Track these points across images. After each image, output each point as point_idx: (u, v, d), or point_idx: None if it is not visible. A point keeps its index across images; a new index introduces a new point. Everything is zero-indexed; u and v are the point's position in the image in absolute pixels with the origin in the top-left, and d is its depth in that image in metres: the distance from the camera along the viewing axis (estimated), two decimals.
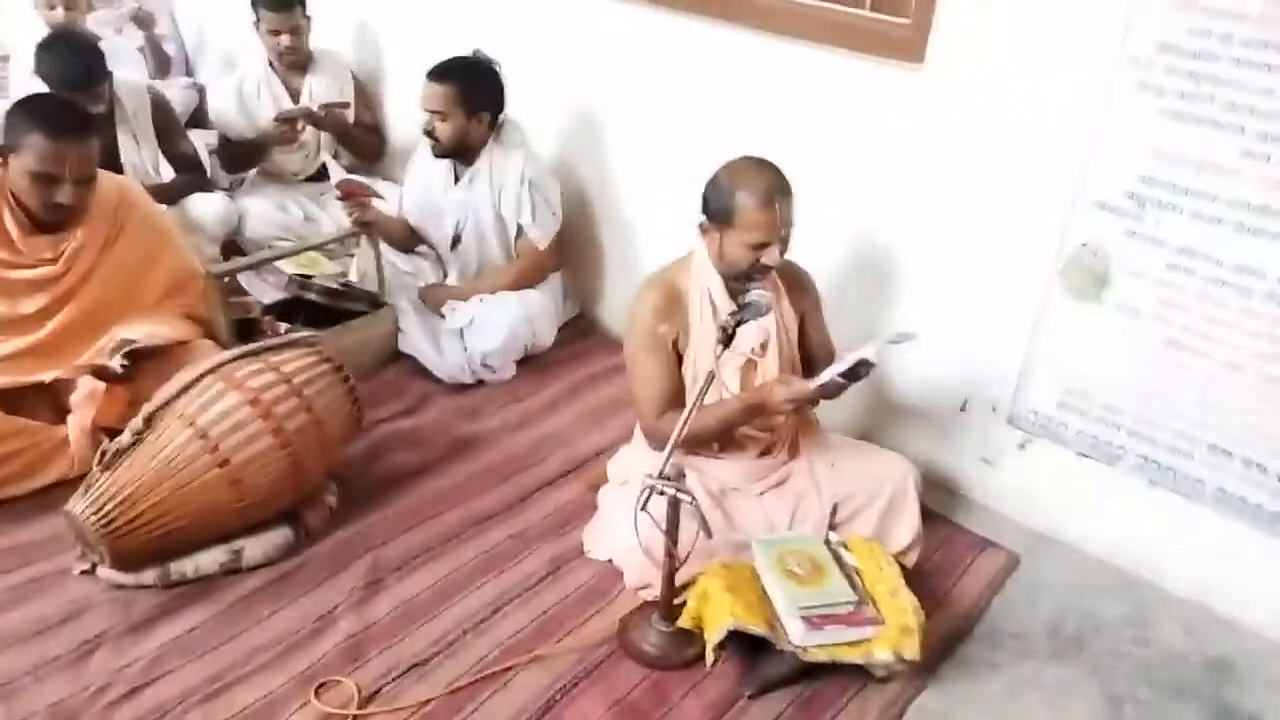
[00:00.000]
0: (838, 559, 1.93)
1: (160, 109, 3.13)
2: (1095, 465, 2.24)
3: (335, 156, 3.52)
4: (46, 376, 2.22)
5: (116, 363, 2.06)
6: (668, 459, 1.74)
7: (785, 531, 2.04)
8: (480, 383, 2.76)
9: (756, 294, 1.89)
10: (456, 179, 2.84)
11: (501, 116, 2.79)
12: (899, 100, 2.27)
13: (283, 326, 2.34)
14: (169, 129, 3.15)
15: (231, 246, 3.20)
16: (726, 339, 1.81)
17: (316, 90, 3.39)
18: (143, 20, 4.00)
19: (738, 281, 2.02)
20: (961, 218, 2.25)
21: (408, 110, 3.52)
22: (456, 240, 2.89)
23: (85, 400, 2.17)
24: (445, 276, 3.01)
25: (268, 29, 3.22)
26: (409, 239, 2.97)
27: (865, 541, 2.00)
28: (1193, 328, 2.00)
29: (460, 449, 2.48)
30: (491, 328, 2.72)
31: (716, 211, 1.96)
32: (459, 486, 2.34)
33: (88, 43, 2.91)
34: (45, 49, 2.82)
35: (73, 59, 2.80)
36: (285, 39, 3.24)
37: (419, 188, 2.92)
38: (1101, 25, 1.92)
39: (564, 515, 2.28)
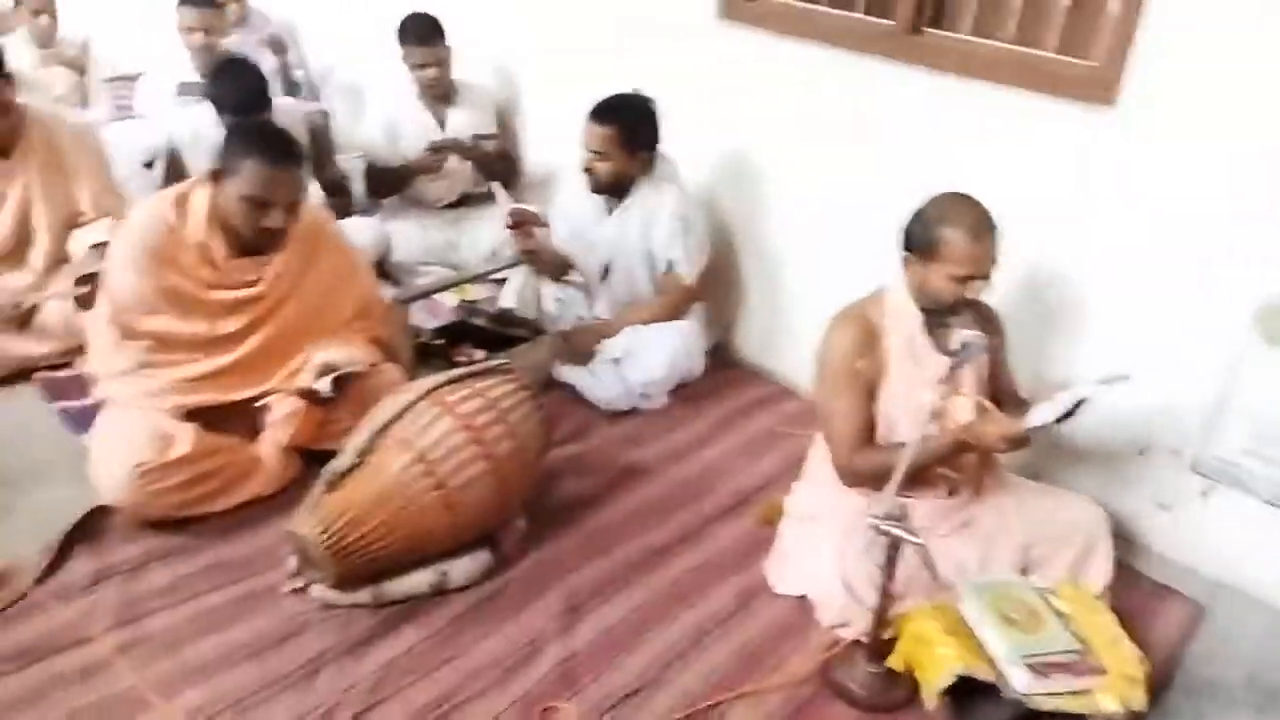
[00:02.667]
0: (1048, 605, 1.91)
1: (316, 134, 3.22)
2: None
3: (474, 184, 3.58)
4: (243, 395, 2.27)
5: (326, 386, 2.11)
6: (889, 497, 1.74)
7: (992, 575, 2.02)
8: (634, 410, 2.78)
9: (971, 334, 1.90)
10: (608, 213, 2.89)
11: (656, 151, 2.83)
12: (1086, 141, 2.28)
13: (479, 354, 2.38)
14: (322, 154, 3.24)
15: (378, 270, 3.26)
16: (947, 379, 1.81)
17: (461, 121, 3.46)
18: (276, 45, 4.12)
19: (936, 316, 2.03)
20: (1151, 260, 2.23)
21: (545, 139, 3.63)
22: (606, 272, 2.93)
23: (284, 420, 2.22)
24: (592, 306, 3.04)
25: (413, 63, 3.31)
26: (561, 268, 3.01)
27: (1073, 587, 1.98)
28: None
29: (627, 477, 2.50)
30: (651, 358, 2.75)
31: (922, 244, 1.97)
32: (633, 515, 2.36)
33: (255, 69, 3.00)
34: (216, 75, 2.92)
35: (243, 84, 2.89)
36: (430, 71, 3.32)
37: (570, 220, 2.96)
38: None
39: (743, 548, 2.28)
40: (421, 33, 3.29)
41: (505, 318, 2.76)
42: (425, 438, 1.94)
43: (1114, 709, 1.74)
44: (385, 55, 3.92)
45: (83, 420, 2.40)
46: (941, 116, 2.52)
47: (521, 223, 2.73)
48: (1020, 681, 1.75)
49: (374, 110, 3.49)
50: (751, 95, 2.91)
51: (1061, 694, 1.75)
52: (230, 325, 2.26)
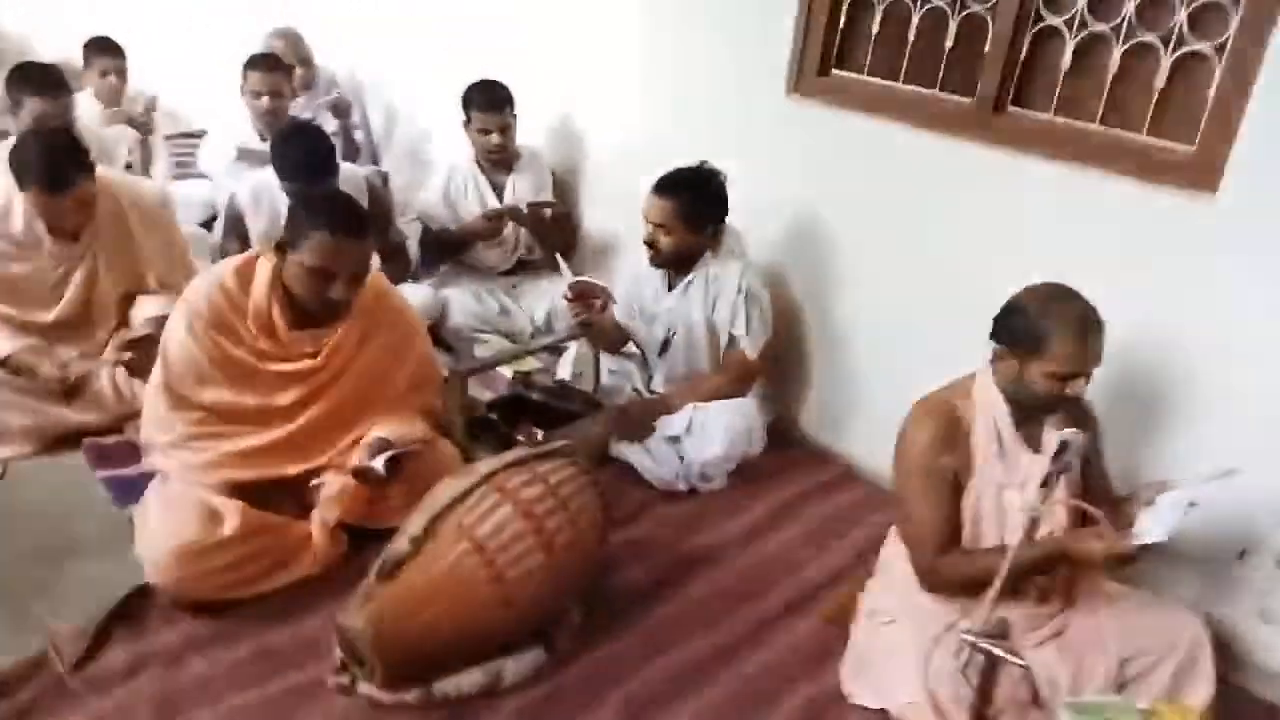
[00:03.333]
0: None
1: (375, 197, 3.19)
2: None
3: (529, 251, 3.54)
4: (295, 471, 2.20)
5: (380, 466, 2.02)
6: (987, 611, 1.60)
7: (1089, 694, 1.86)
8: (692, 491, 2.67)
9: (1071, 433, 1.76)
10: (670, 286, 2.81)
11: (722, 224, 2.76)
12: (1183, 229, 2.16)
13: (539, 432, 2.29)
14: (380, 217, 3.20)
15: (432, 335, 3.21)
16: (1047, 482, 1.68)
17: (520, 187, 3.43)
18: (340, 109, 4.14)
19: (1027, 410, 1.91)
20: (1255, 353, 2.10)
21: (604, 208, 3.58)
22: (665, 346, 2.84)
23: (334, 498, 2.13)
24: (649, 380, 2.95)
25: (479, 128, 3.29)
26: (618, 340, 2.93)
27: (1180, 708, 1.81)
28: None
29: (688, 567, 2.37)
30: (712, 436, 2.64)
31: (1022, 339, 1.85)
32: (694, 609, 2.23)
33: (323, 135, 2.98)
34: (283, 139, 2.90)
35: (309, 150, 2.87)
36: (495, 137, 3.30)
37: (630, 292, 2.89)
38: None
39: (813, 649, 2.14)
40: (492, 99, 3.28)
41: (562, 391, 2.68)
42: (484, 526, 1.84)
43: None
44: (447, 120, 3.98)
45: (128, 490, 2.34)
46: (1024, 199, 2.42)
47: (583, 294, 2.65)
48: None
49: (435, 175, 3.46)
50: (821, 171, 2.84)
51: None
52: (285, 398, 2.19)
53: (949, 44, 2.53)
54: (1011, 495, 1.94)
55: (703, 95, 3.08)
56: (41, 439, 2.49)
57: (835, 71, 2.79)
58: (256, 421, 2.19)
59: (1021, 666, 1.57)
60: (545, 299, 3.47)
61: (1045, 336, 1.81)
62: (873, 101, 2.68)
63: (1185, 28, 2.12)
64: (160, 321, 2.58)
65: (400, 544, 1.81)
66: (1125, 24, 2.21)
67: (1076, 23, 2.28)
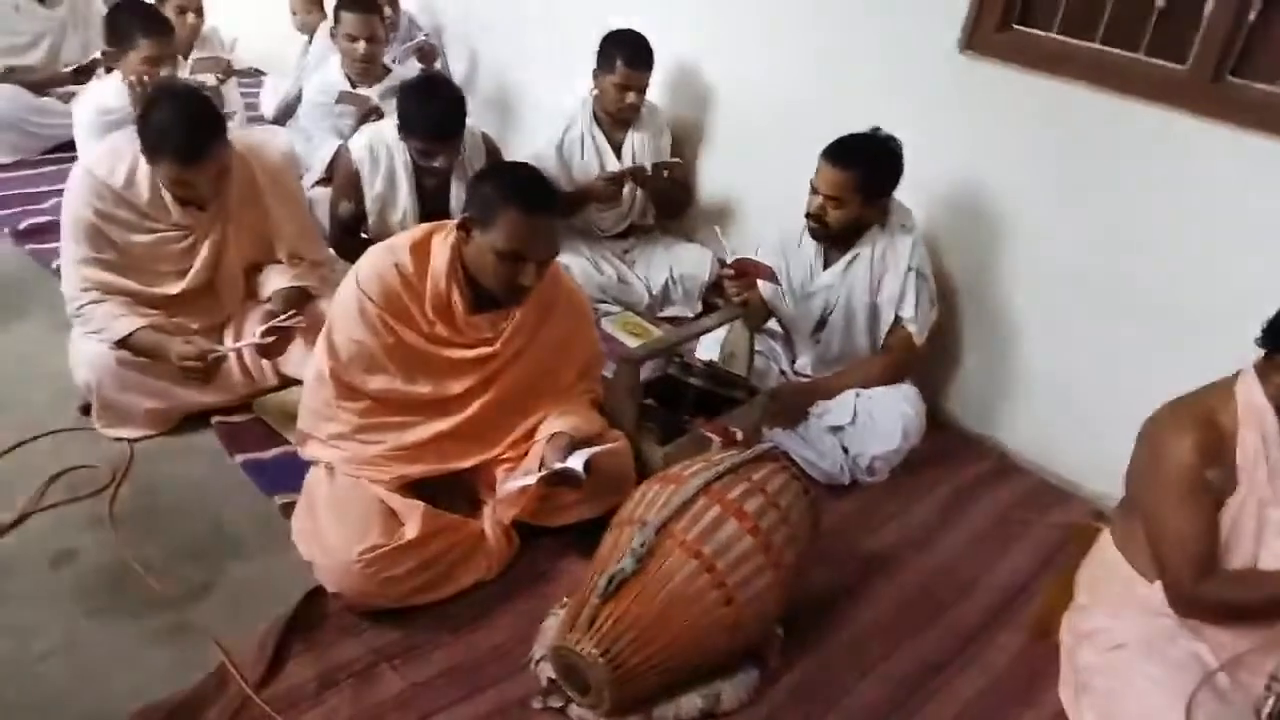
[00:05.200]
0: None
1: (493, 155, 2.97)
2: None
3: (642, 215, 3.32)
4: (467, 464, 2.03)
5: (580, 467, 1.84)
6: None
7: None
8: (853, 482, 2.50)
9: None
10: (827, 261, 2.61)
11: (891, 197, 2.55)
12: None
13: (737, 432, 2.11)
14: None
15: None
16: None
17: (638, 147, 3.20)
18: (426, 54, 3.88)
19: None
20: None
21: (721, 166, 3.36)
22: (820, 325, 2.65)
23: (513, 498, 1.96)
24: (794, 360, 2.77)
25: (618, 83, 3.04)
26: (764, 318, 2.73)
27: None
28: None
29: (871, 570, 2.22)
30: (884, 427, 2.47)
31: None
32: (894, 618, 2.09)
33: (456, 90, 2.74)
34: (414, 94, 2.67)
35: (445, 106, 2.64)
36: (631, 96, 3.06)
37: (781, 266, 2.67)
38: None
39: (1027, 668, 2.00)
40: (641, 55, 3.03)
41: (715, 374, 2.49)
42: (711, 543, 1.67)
43: None
44: (548, 69, 3.73)
45: (271, 477, 2.18)
46: (1246, 179, 2.21)
47: (745, 272, 2.45)
48: None
49: (549, 130, 3.22)
50: (995, 139, 2.62)
51: None
52: (458, 386, 2.00)
53: (1160, 2, 2.30)
54: (1275, 512, 1.78)
55: (858, 48, 2.83)
56: (168, 421, 2.31)
57: (1018, 27, 2.55)
58: (427, 411, 2.00)
59: None
60: (662, 266, 3.27)
61: None
62: (1060, 63, 2.45)
63: None
64: (291, 296, 2.40)
65: (625, 563, 1.64)
66: None
67: None
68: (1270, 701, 1.46)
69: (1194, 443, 1.76)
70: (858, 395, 2.53)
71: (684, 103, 3.38)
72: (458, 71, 4.10)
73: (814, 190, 2.47)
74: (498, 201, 1.82)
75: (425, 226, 1.97)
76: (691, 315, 3.27)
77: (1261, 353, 1.76)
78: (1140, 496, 1.88)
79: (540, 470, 1.89)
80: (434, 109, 2.63)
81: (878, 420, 2.48)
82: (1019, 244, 2.64)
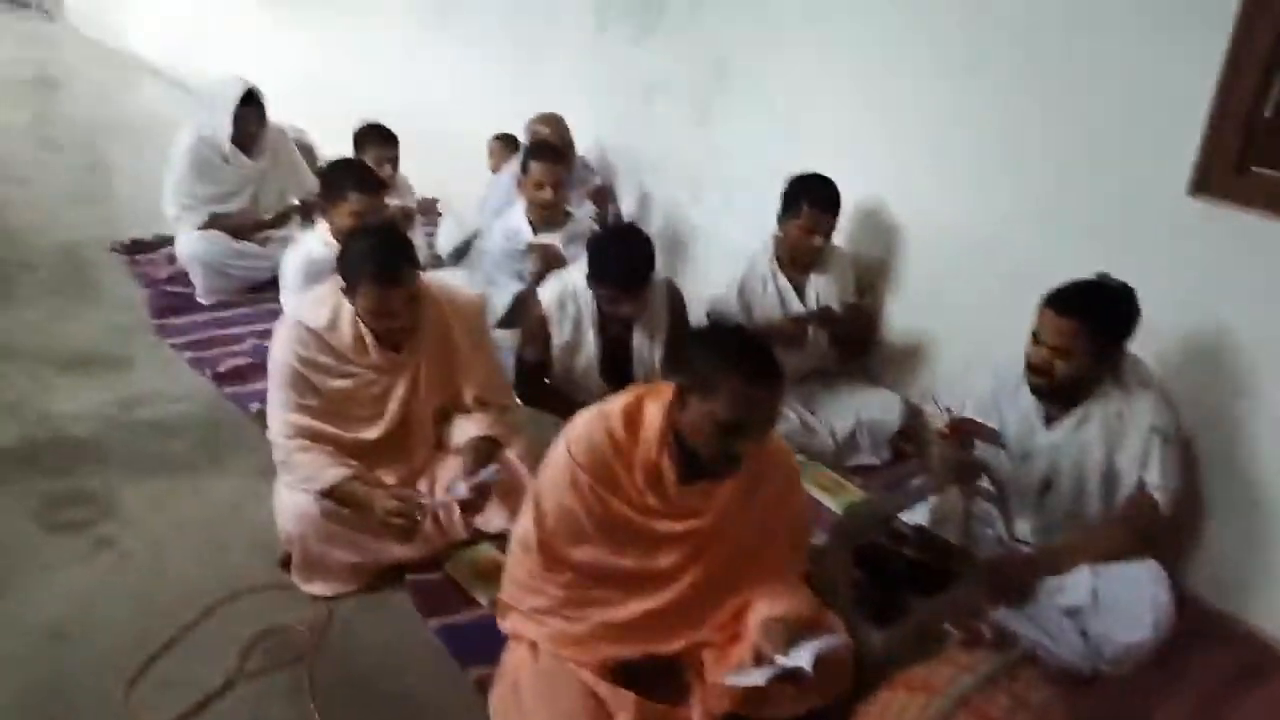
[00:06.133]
0: None
1: (675, 302, 2.92)
2: None
3: (822, 358, 3.19)
4: (675, 646, 1.88)
5: (809, 664, 1.65)
6: None
7: None
8: (1095, 674, 2.20)
9: None
10: (1049, 417, 2.38)
11: (1124, 349, 2.32)
12: None
13: (984, 628, 1.89)
14: (682, 324, 2.92)
15: None
16: None
17: (822, 289, 3.10)
18: (599, 196, 3.95)
19: None
20: None
21: (911, 306, 3.20)
22: (1044, 488, 2.41)
23: (732, 689, 1.78)
24: (1010, 526, 2.51)
25: (805, 225, 2.97)
26: (977, 478, 2.50)
27: None
28: None
29: None
30: (1132, 613, 2.17)
31: None
32: None
33: (645, 238, 2.73)
34: (606, 243, 2.69)
35: (635, 256, 2.64)
36: (817, 239, 2.98)
37: (992, 420, 2.47)
38: None
39: None
40: (831, 198, 2.98)
41: (931, 544, 2.27)
42: None
43: None
44: (720, 210, 3.72)
45: (465, 645, 2.08)
46: None
47: (966, 432, 2.25)
48: None
49: (736, 273, 3.16)
50: (1234, 285, 2.38)
51: None
52: (666, 560, 1.87)
53: None
54: None
55: (1080, 191, 2.65)
56: (365, 575, 2.27)
57: (1261, 169, 2.33)
58: (632, 587, 1.88)
59: None
60: (847, 413, 3.10)
61: None
62: None
63: None
64: (482, 447, 2.37)
65: None
66: None
67: None
68: None
69: None
70: (1094, 573, 2.25)
71: (869, 243, 3.27)
72: (628, 212, 4.15)
73: (1037, 341, 2.28)
74: (720, 369, 1.72)
75: (636, 390, 1.89)
76: (879, 463, 3.08)
77: None
78: None
79: (760, 664, 1.71)
80: (625, 258, 2.61)
81: (1124, 605, 2.18)
82: (1268, 399, 2.36)
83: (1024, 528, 2.49)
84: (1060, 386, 2.29)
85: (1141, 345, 2.33)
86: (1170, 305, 2.40)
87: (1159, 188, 2.46)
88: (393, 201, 3.63)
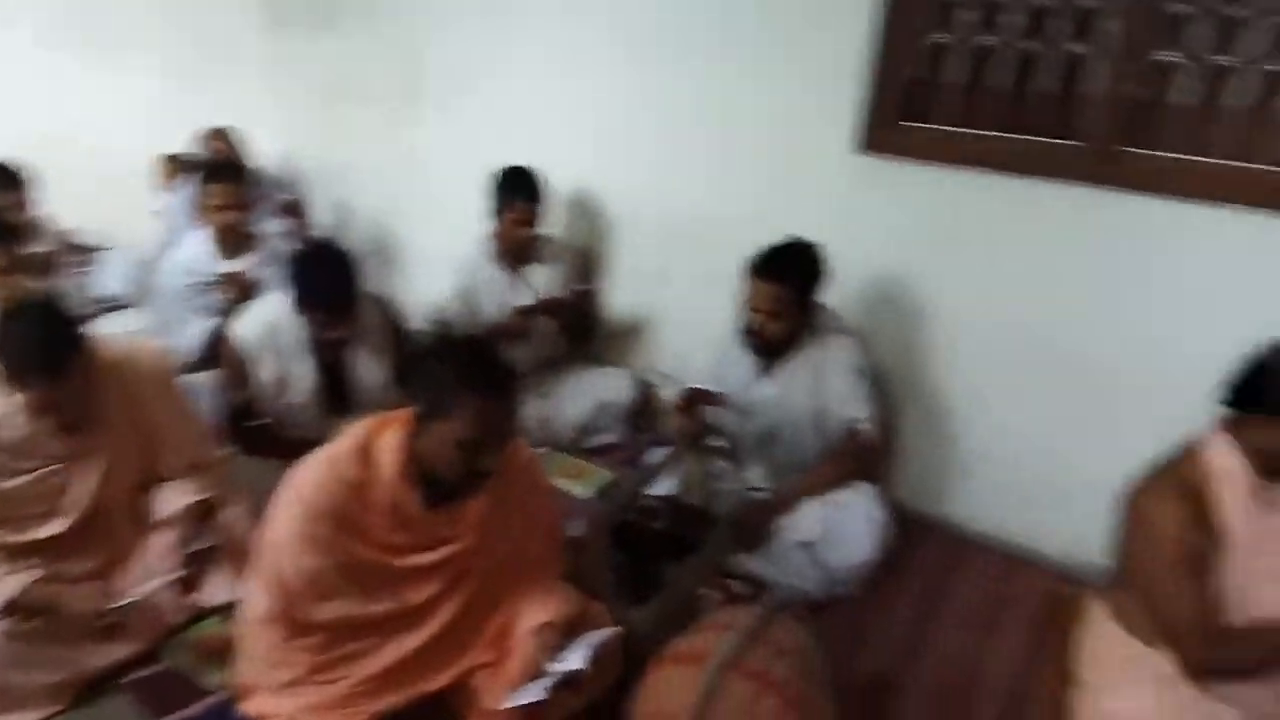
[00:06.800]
0: None
1: (394, 318, 2.79)
2: None
3: (553, 348, 3.20)
4: (443, 681, 1.81)
5: (585, 663, 1.66)
6: None
7: None
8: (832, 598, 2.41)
9: None
10: (764, 371, 2.56)
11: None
12: None
13: (732, 583, 1.97)
14: (403, 339, 2.80)
15: None
16: None
17: (544, 278, 3.10)
18: (291, 208, 3.68)
19: (1274, 479, 1.77)
20: None
21: (629, 284, 3.29)
22: (767, 439, 2.59)
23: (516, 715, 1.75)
24: (741, 477, 2.68)
25: (517, 218, 2.94)
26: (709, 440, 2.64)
27: None
28: None
29: (878, 687, 2.13)
30: (856, 537, 2.39)
31: (1272, 401, 1.70)
32: None
33: (345, 256, 2.55)
34: (305, 265, 2.48)
35: (339, 275, 2.47)
36: (527, 230, 2.97)
37: (713, 382, 2.61)
38: None
39: None
40: (534, 187, 2.95)
41: (679, 513, 2.36)
42: None
43: None
44: (430, 210, 3.60)
45: None
46: (1151, 242, 2.32)
47: (697, 401, 2.36)
48: None
49: (454, 277, 3.08)
50: (902, 230, 2.67)
51: None
52: (421, 594, 1.79)
53: (1048, 86, 2.40)
54: (1264, 564, 1.79)
55: (753, 158, 2.85)
56: (70, 691, 1.94)
57: (911, 124, 2.62)
58: (389, 630, 1.78)
59: None
60: (582, 397, 3.14)
61: None
62: (959, 152, 2.53)
63: None
64: (196, 512, 2.13)
65: None
66: (1252, 55, 2.13)
67: (1197, 56, 2.19)
68: None
69: (1178, 512, 1.77)
70: (823, 506, 2.46)
71: (584, 229, 3.31)
72: (324, 226, 3.91)
73: (749, 307, 2.42)
74: (453, 388, 1.65)
75: (363, 427, 1.77)
76: (620, 441, 3.16)
77: (1222, 412, 1.79)
78: (1135, 570, 1.86)
79: (538, 676, 1.69)
80: (328, 278, 2.45)
81: (849, 530, 2.41)
82: (941, 328, 2.68)
83: (756, 475, 2.66)
84: (773, 344, 2.46)
85: (831, 294, 2.56)
86: (850, 254, 2.64)
87: (829, 148, 2.69)
88: (35, 249, 3.14)
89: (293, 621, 1.71)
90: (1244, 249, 2.20)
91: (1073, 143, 2.38)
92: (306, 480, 1.71)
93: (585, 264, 3.29)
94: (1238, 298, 2.21)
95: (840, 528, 2.41)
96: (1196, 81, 2.20)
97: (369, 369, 2.70)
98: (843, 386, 2.49)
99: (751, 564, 2.41)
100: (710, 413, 2.48)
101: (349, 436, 1.75)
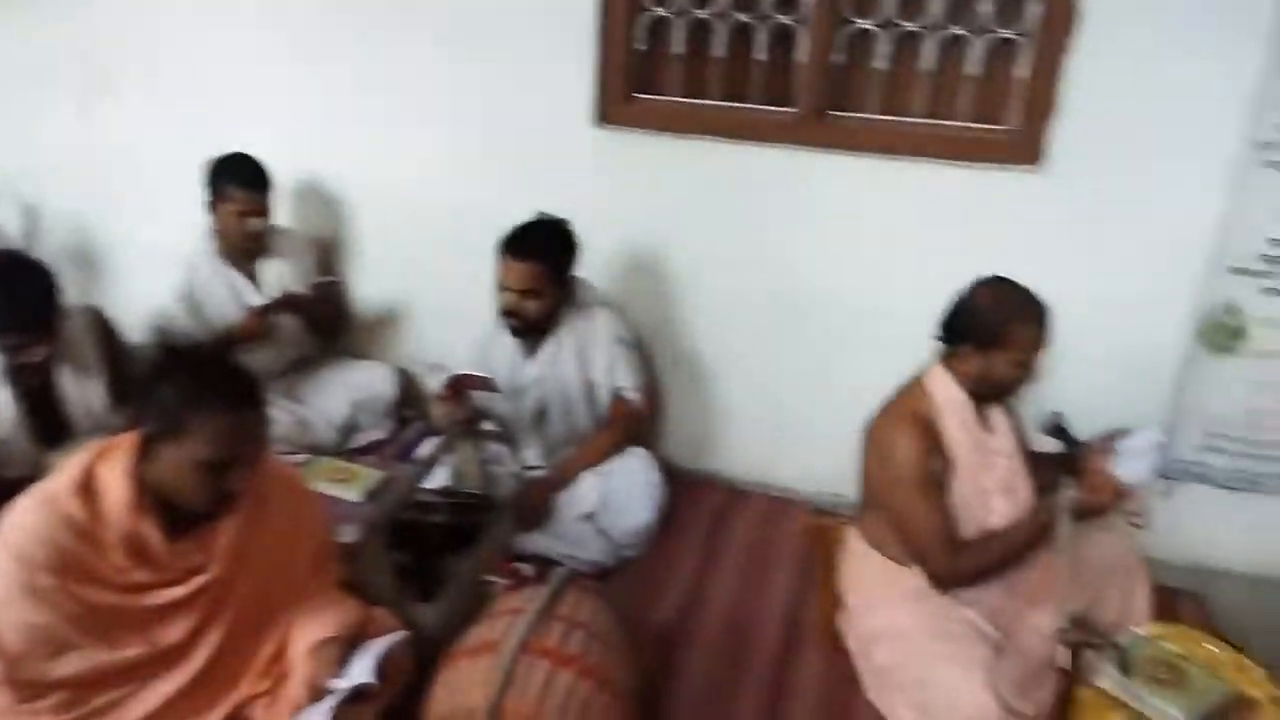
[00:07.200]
0: (1172, 653, 1.94)
1: (105, 329, 2.49)
2: (1240, 495, 2.47)
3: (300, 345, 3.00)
4: (216, 717, 1.66)
5: (373, 677, 1.57)
6: (1071, 607, 1.66)
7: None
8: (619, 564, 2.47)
9: (1052, 412, 1.90)
10: (530, 351, 2.55)
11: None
12: (1015, 201, 2.40)
13: (523, 567, 1.92)
14: (120, 353, 2.50)
15: None
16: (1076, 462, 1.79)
17: (278, 274, 2.88)
18: None
19: (986, 403, 2.01)
20: (1091, 302, 2.33)
21: (374, 274, 3.14)
22: (539, 417, 2.59)
23: None
24: (518, 457, 2.66)
25: (240, 210, 2.70)
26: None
27: (1170, 627, 2.03)
28: None
29: (672, 641, 2.21)
30: (635, 501, 2.46)
31: (983, 334, 1.92)
32: (706, 683, 2.10)
33: (41, 266, 2.23)
34: None
35: (34, 289, 2.16)
36: (257, 221, 2.73)
37: (484, 368, 2.57)
38: (1227, 115, 2.17)
39: (838, 690, 2.10)
40: (257, 175, 2.70)
41: (457, 502, 2.30)
42: (549, 706, 1.52)
43: None
44: (132, 209, 3.25)
45: None
46: (861, 196, 2.53)
47: (463, 388, 2.30)
48: None
49: (172, 277, 2.78)
50: (643, 199, 2.74)
51: None
52: (176, 632, 1.61)
53: (761, 56, 2.53)
54: (987, 479, 2.03)
55: (493, 136, 2.80)
56: None
57: (642, 96, 2.68)
58: (144, 675, 1.59)
59: (1114, 646, 1.66)
60: (340, 395, 2.97)
61: (1006, 327, 1.90)
62: (687, 121, 2.63)
63: (993, 18, 2.32)
64: None
65: None
66: (934, 20, 2.36)
67: (889, 23, 2.40)
68: (1062, 652, 1.64)
69: (913, 441, 1.96)
70: (599, 476, 2.50)
71: (320, 218, 3.10)
72: (11, 234, 3.40)
73: (504, 288, 2.39)
74: (187, 405, 1.49)
75: (81, 459, 1.56)
76: (387, 436, 3.03)
77: (939, 347, 2.00)
78: (881, 497, 2.05)
79: (320, 696, 1.59)
80: (18, 294, 2.13)
81: (627, 496, 2.47)
82: (692, 290, 2.79)
83: (532, 455, 2.66)
84: (533, 323, 2.45)
85: (587, 268, 2.58)
86: (600, 226, 2.66)
87: (570, 123, 2.70)
88: None
89: (22, 686, 1.49)
90: (942, 198, 2.46)
91: (788, 109, 2.53)
92: (18, 527, 1.49)
93: (326, 255, 3.10)
94: (941, 242, 2.47)
95: (618, 495, 2.47)
96: (891, 47, 2.41)
97: (81, 392, 2.38)
98: (607, 358, 2.53)
99: (537, 543, 2.41)
100: (478, 398, 2.43)
101: (66, 471, 1.54)
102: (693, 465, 2.95)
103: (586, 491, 2.47)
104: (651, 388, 2.74)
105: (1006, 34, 2.32)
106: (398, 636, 1.70)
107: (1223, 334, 2.36)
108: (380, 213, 3.04)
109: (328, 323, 3.01)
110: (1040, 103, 2.30)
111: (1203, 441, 2.47)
